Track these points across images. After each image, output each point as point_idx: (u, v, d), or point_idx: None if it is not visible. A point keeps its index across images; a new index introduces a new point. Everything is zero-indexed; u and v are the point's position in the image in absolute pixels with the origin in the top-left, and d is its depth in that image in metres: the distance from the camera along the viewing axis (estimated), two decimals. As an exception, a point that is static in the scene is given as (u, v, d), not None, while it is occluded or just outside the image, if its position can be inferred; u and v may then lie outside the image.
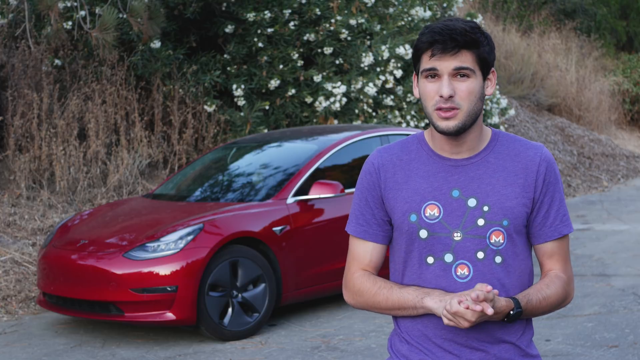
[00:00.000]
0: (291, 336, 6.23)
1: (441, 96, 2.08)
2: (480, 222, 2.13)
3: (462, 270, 2.13)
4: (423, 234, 2.15)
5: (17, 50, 9.96)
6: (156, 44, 10.09)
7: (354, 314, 6.72)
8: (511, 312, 2.09)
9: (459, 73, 2.09)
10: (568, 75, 18.52)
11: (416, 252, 2.17)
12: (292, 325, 6.53)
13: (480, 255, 2.13)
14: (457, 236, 2.13)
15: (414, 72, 2.20)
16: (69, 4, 10.02)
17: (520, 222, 2.16)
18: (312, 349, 5.90)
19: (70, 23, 9.99)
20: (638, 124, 20.72)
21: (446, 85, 2.08)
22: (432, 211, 2.15)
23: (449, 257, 2.14)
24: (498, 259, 2.14)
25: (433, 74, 2.10)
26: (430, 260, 2.15)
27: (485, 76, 2.15)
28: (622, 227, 10.79)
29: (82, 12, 9.28)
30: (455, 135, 2.13)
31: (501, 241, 2.13)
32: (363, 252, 2.25)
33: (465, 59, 2.09)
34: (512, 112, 13.75)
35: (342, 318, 6.67)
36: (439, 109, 2.09)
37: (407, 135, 7.81)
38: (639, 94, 20.15)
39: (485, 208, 2.13)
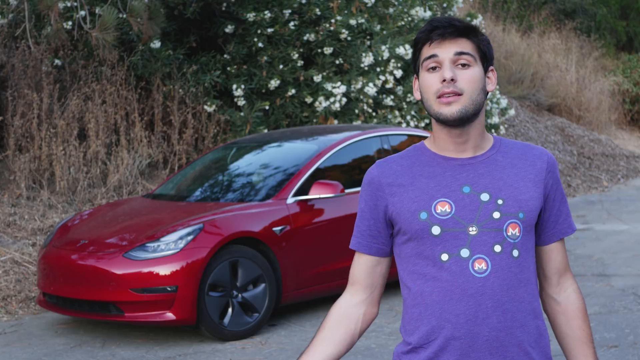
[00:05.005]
0: (291, 336, 6.23)
1: (443, 80, 2.06)
2: (496, 215, 2.08)
3: (480, 265, 2.06)
4: (435, 230, 2.07)
5: (17, 50, 9.96)
6: (156, 44, 10.09)
7: (354, 314, 6.72)
8: None
9: (461, 60, 2.08)
10: (568, 75, 18.52)
11: (429, 251, 2.09)
12: (292, 325, 6.53)
13: (498, 248, 2.07)
14: (473, 230, 2.07)
15: (415, 75, 2.17)
16: (69, 4, 10.02)
17: (534, 216, 2.13)
18: (312, 349, 5.89)
19: (70, 23, 9.99)
20: (638, 124, 20.71)
21: (448, 68, 2.06)
22: (443, 208, 2.08)
23: (465, 252, 2.06)
24: (515, 253, 2.08)
25: (434, 63, 2.08)
26: (444, 257, 2.07)
27: (485, 69, 2.14)
28: (622, 227, 10.79)
29: (82, 12, 9.28)
30: (459, 123, 2.08)
31: (517, 234, 2.09)
32: (357, 267, 2.22)
33: (466, 46, 2.09)
34: (512, 112, 13.75)
35: (342, 318, 6.66)
36: (441, 95, 2.06)
37: (407, 135, 7.85)
38: (639, 94, 20.15)
39: (500, 201, 2.09)
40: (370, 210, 2.18)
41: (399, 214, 2.13)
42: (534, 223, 2.14)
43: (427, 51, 2.10)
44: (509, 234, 2.08)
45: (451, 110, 2.06)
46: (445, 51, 2.07)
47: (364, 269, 2.21)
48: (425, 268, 2.11)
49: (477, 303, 2.06)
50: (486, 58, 2.14)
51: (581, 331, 2.19)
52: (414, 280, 2.13)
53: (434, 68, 2.09)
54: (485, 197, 2.09)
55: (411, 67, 11.51)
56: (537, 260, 2.22)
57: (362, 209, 2.20)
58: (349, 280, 2.26)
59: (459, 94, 2.06)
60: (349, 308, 2.21)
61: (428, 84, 2.09)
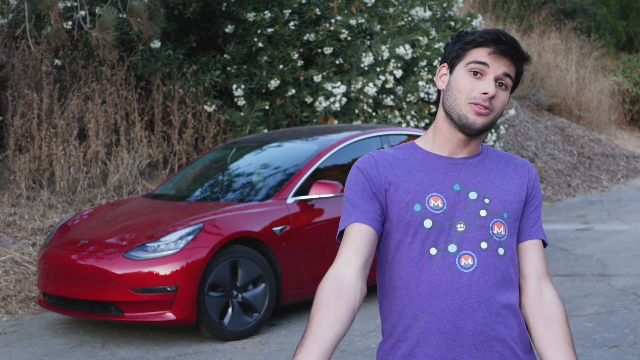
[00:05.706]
0: (291, 336, 6.23)
1: (485, 93, 2.13)
2: (483, 213, 2.15)
3: (466, 261, 2.12)
4: (427, 223, 2.13)
5: (17, 50, 9.96)
6: (156, 44, 10.09)
7: (354, 314, 6.72)
8: None
9: (502, 81, 2.16)
10: (568, 75, 18.52)
11: (418, 243, 2.13)
12: (292, 325, 6.53)
13: (484, 245, 2.13)
14: (461, 227, 2.13)
15: (445, 63, 2.22)
16: (69, 4, 10.02)
17: (517, 217, 2.20)
18: (312, 349, 5.89)
19: (70, 23, 10.00)
20: (638, 124, 20.72)
21: (492, 84, 2.14)
22: (436, 202, 2.15)
23: (452, 248, 2.12)
24: (501, 251, 2.14)
25: (479, 70, 2.14)
26: (433, 251, 2.13)
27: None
28: (622, 227, 10.79)
29: (82, 12, 9.28)
30: (475, 133, 2.17)
31: (502, 233, 2.15)
32: (357, 239, 2.14)
33: (512, 70, 2.18)
34: (512, 112, 13.75)
35: (342, 318, 6.66)
36: (476, 103, 2.14)
37: (407, 135, 7.85)
38: (639, 94, 20.15)
39: (487, 200, 2.17)
40: (370, 190, 2.17)
41: (392, 203, 2.17)
42: (517, 225, 2.21)
43: (479, 55, 2.15)
44: (495, 232, 2.15)
45: (477, 120, 2.15)
46: (497, 66, 2.15)
47: (366, 240, 2.14)
48: (412, 260, 2.14)
49: (463, 297, 2.10)
50: (516, 85, 2.25)
51: (562, 332, 2.18)
52: (399, 272, 2.16)
53: (475, 73, 2.16)
54: (473, 195, 2.17)
55: (411, 67, 11.51)
56: (518, 262, 2.25)
57: (363, 189, 2.17)
58: (342, 252, 2.18)
59: (491, 111, 2.16)
60: (345, 280, 2.11)
61: (467, 87, 2.15)
